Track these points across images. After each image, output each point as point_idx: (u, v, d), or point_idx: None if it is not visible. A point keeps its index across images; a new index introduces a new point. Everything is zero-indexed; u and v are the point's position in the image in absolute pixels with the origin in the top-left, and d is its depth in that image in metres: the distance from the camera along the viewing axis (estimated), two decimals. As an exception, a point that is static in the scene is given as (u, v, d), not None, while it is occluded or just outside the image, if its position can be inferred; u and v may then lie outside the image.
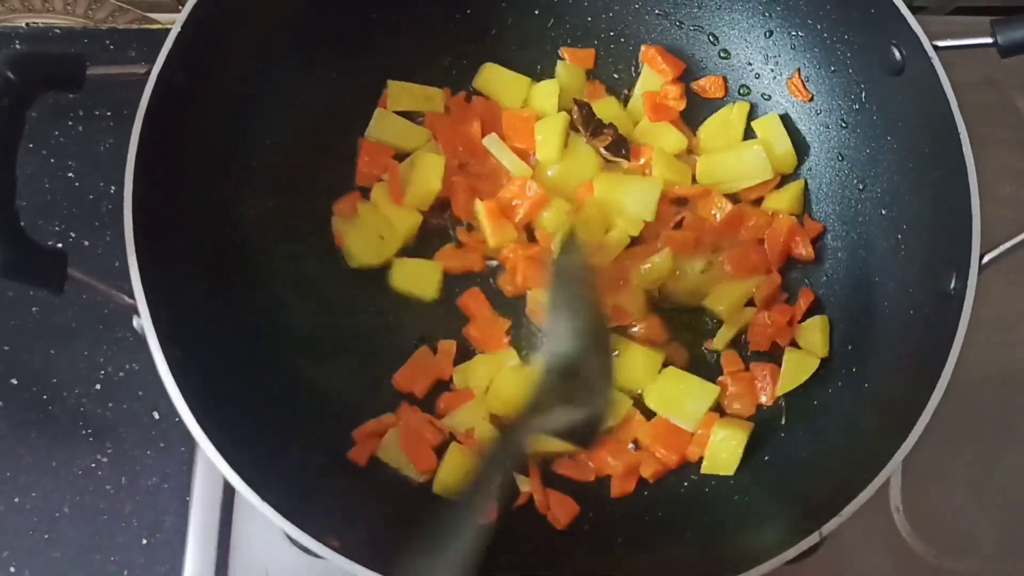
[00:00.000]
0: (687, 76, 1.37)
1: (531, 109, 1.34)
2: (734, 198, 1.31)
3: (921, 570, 1.24)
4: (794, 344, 1.25)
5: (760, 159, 1.30)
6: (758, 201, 1.32)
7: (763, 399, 1.24)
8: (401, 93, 1.34)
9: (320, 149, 1.31)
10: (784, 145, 1.31)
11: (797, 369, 1.23)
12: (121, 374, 1.29)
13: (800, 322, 1.26)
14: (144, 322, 0.98)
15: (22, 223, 1.31)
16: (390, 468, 1.17)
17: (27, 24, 1.45)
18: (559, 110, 1.33)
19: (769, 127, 1.32)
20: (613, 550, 1.13)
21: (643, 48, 1.37)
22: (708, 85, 1.37)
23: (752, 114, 1.35)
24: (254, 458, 0.99)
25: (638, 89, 1.37)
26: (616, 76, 1.39)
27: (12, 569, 1.21)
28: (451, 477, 1.14)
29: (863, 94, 1.24)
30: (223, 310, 1.15)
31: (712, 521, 1.14)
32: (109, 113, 1.39)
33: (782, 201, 1.30)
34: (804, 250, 1.28)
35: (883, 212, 1.22)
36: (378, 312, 1.27)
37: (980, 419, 1.31)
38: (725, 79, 1.36)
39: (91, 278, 1.01)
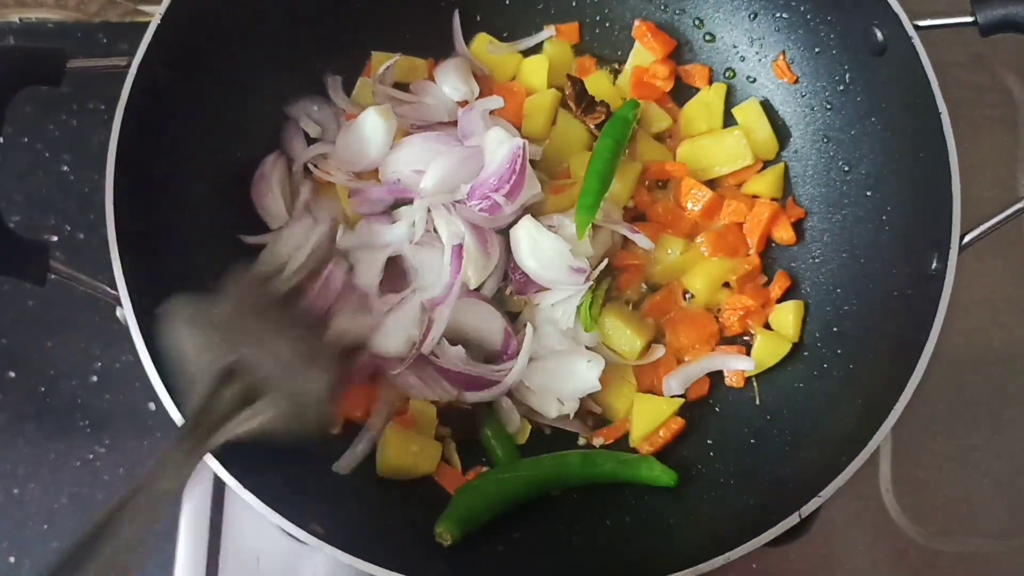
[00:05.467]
0: (674, 59, 1.36)
1: (521, 84, 1.35)
2: (715, 183, 1.31)
3: (912, 550, 1.24)
4: (767, 328, 1.25)
5: (740, 145, 1.29)
6: (739, 186, 1.31)
7: (732, 381, 1.23)
8: (386, 63, 1.33)
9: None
10: (764, 130, 1.31)
11: (768, 351, 1.22)
12: (117, 365, 1.30)
13: (777, 304, 1.26)
14: (126, 313, 0.99)
15: (15, 217, 1.34)
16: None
17: (20, 19, 1.46)
18: (549, 86, 1.33)
19: (749, 113, 1.32)
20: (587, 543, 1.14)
21: (636, 23, 1.37)
22: (694, 72, 1.36)
23: (737, 97, 1.34)
24: (239, 446, 1.00)
25: (628, 65, 1.37)
26: (606, 53, 1.39)
27: (12, 559, 1.23)
28: (392, 458, 1.15)
29: (847, 75, 1.23)
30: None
31: (697, 503, 1.14)
32: (103, 107, 1.40)
33: (762, 185, 1.30)
34: (785, 233, 1.28)
35: (868, 194, 1.21)
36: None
37: (970, 400, 1.31)
38: (710, 69, 1.36)
39: (75, 270, 1.02)
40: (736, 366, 1.23)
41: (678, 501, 1.13)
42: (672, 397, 1.22)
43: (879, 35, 1.14)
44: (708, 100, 1.34)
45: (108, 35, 1.44)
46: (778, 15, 1.29)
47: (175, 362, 0.97)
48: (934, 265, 1.05)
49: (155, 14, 1.09)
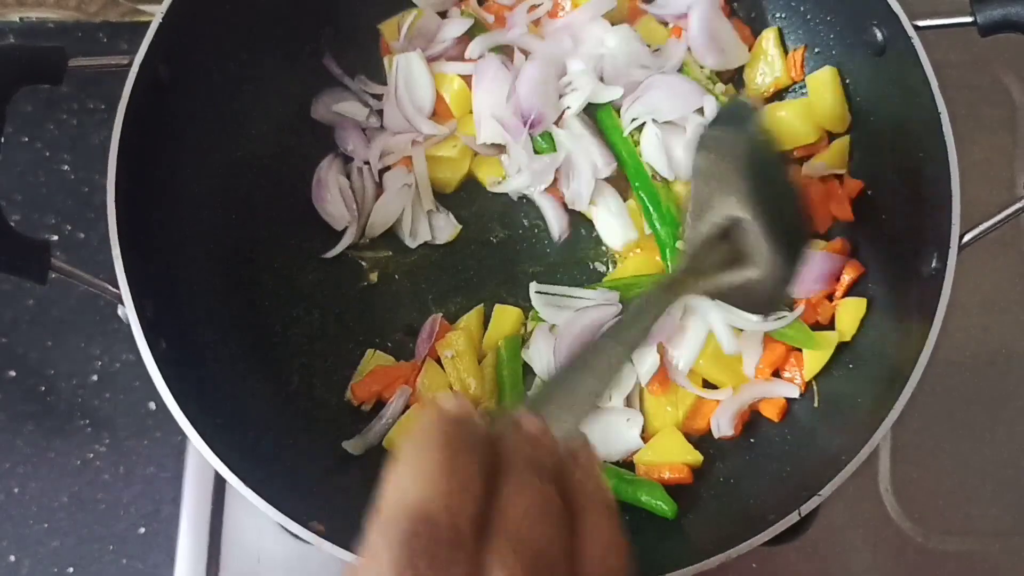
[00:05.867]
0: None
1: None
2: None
3: (911, 551, 1.24)
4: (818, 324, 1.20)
5: (803, 119, 1.24)
6: (801, 161, 1.25)
7: (794, 392, 1.18)
8: (395, 28, 1.31)
9: (306, 136, 1.31)
10: (835, 102, 1.23)
11: (816, 355, 1.17)
12: (117, 365, 1.30)
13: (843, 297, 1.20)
14: (128, 311, 1.00)
15: (16, 216, 1.34)
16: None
17: (20, 19, 1.46)
18: None
19: (822, 82, 1.24)
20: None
21: None
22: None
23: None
24: (240, 444, 1.01)
25: None
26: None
27: (12, 559, 1.23)
28: (401, 434, 1.16)
29: (847, 76, 1.23)
30: (209, 298, 1.17)
31: (697, 501, 1.14)
32: (103, 106, 1.40)
33: (826, 159, 1.24)
34: (842, 211, 1.22)
35: (868, 193, 1.21)
36: (364, 298, 1.27)
37: (969, 400, 1.30)
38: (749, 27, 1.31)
39: (78, 268, 1.02)
40: (782, 392, 1.18)
41: (678, 500, 1.13)
42: (695, 449, 1.17)
43: (879, 35, 1.14)
44: (765, 51, 1.28)
45: (108, 34, 1.44)
46: (777, 15, 1.29)
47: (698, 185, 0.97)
48: (933, 265, 1.05)
49: (156, 13, 1.09)
